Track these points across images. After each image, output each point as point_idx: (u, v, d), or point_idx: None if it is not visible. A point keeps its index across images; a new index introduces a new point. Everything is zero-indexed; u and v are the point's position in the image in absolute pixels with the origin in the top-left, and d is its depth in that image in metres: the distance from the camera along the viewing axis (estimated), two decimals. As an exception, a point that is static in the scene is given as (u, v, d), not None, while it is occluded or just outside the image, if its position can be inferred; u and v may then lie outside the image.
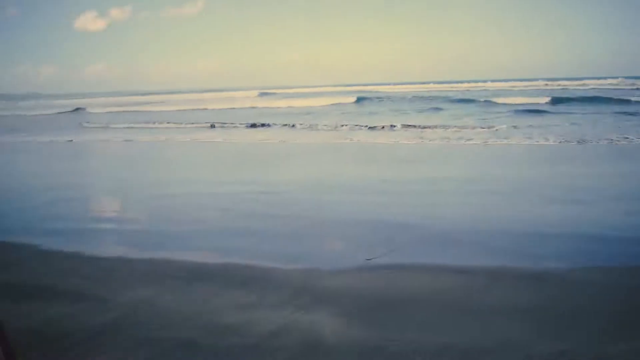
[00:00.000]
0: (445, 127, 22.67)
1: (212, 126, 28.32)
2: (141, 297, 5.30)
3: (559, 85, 60.25)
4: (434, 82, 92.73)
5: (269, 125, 27.57)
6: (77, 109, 54.25)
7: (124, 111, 48.43)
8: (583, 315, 4.62)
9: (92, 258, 6.62)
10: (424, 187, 10.38)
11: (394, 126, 23.71)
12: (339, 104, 44.60)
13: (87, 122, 35.22)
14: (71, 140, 23.82)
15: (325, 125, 25.88)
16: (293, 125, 26.69)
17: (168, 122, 31.62)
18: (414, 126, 23.39)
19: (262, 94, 76.99)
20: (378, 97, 50.13)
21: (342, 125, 25.21)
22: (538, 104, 33.42)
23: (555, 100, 34.38)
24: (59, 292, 5.36)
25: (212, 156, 17.84)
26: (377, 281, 5.59)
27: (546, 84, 62.14)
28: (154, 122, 32.35)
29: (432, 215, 8.20)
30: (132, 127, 30.18)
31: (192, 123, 30.57)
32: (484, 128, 21.72)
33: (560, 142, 17.13)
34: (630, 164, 13.74)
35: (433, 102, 39.41)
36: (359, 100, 47.03)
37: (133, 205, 10.04)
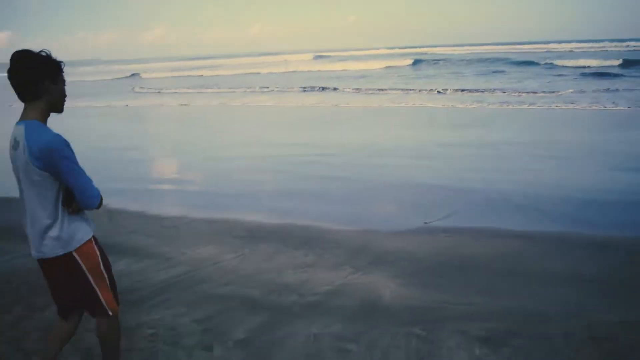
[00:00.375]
0: (504, 90, 21.98)
1: (264, 90, 28.51)
2: (203, 255, 5.51)
3: (627, 46, 56.97)
4: (494, 44, 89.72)
5: (322, 88, 27.51)
6: (134, 74, 55.60)
7: (178, 76, 49.34)
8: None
9: (155, 217, 6.92)
10: (483, 152, 10.18)
11: (451, 90, 23.18)
12: (395, 66, 43.93)
13: (141, 88, 36.10)
14: (127, 105, 24.55)
15: (379, 89, 25.59)
16: (347, 89, 26.52)
17: (219, 88, 32.00)
18: (473, 90, 22.77)
19: (317, 57, 76.58)
20: (435, 60, 49.04)
21: (398, 90, 24.84)
22: (607, 66, 31.70)
23: (627, 63, 32.40)
24: (124, 250, 5.63)
25: (266, 120, 17.99)
26: (434, 244, 5.59)
27: (616, 46, 58.82)
28: (207, 87, 32.86)
29: (492, 180, 8.05)
30: (186, 92, 30.78)
31: (246, 87, 30.86)
32: (547, 92, 20.90)
33: (629, 107, 16.29)
34: None
35: (493, 65, 38.18)
36: (416, 62, 46.16)
37: (192, 167, 10.34)
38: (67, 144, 2.57)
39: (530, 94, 20.58)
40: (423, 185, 7.90)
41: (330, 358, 3.55)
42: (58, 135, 2.58)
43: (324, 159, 10.12)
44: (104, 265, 2.90)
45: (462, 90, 22.78)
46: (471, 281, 4.68)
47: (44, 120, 2.65)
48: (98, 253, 2.85)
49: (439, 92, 23.07)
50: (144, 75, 53.07)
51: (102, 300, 2.93)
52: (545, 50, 59.46)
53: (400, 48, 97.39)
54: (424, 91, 23.72)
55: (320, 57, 79.09)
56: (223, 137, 14.38)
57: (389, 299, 4.38)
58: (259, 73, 46.42)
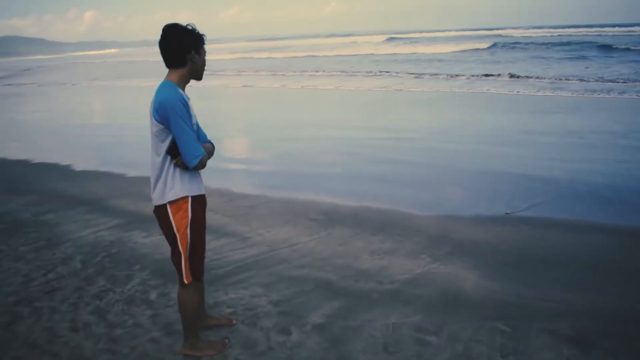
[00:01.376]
0: (588, 79, 20.84)
1: (331, 74, 28.39)
2: (280, 236, 5.57)
3: None
4: (578, 26, 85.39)
5: (391, 73, 27.10)
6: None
7: (248, 57, 49.98)
8: None
9: (233, 195, 7.05)
10: (568, 140, 9.70)
11: (532, 77, 22.23)
12: (471, 49, 42.66)
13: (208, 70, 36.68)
14: (191, 85, 25.05)
15: (454, 74, 24.93)
16: (423, 73, 26.00)
17: (285, 71, 32.11)
18: (555, 78, 21.73)
19: (390, 39, 75.60)
20: (515, 43, 47.19)
21: (474, 75, 24.12)
22: None
23: None
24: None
25: (334, 103, 17.92)
26: (517, 236, 5.38)
27: None
28: (275, 70, 33.06)
29: (578, 170, 7.66)
30: (253, 75, 31.13)
31: (314, 70, 30.87)
32: (637, 82, 19.65)
33: None
34: None
35: (577, 50, 36.31)
36: (493, 46, 44.64)
37: (266, 147, 10.45)
38: (184, 103, 2.89)
39: (619, 83, 19.43)
40: (504, 174, 7.61)
41: (409, 349, 3.50)
42: (179, 94, 2.90)
43: (399, 143, 9.98)
44: (191, 230, 3.07)
45: (540, 78, 21.79)
46: (556, 277, 4.49)
47: (181, 84, 3.01)
48: (190, 215, 3.04)
49: (519, 77, 22.21)
50: (215, 56, 54.15)
51: (182, 265, 3.12)
52: (637, 34, 55.96)
53: (477, 30, 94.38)
54: (503, 76, 22.89)
55: (393, 39, 77.83)
56: (293, 119, 14.44)
57: (470, 290, 4.27)
58: (326, 55, 46.26)
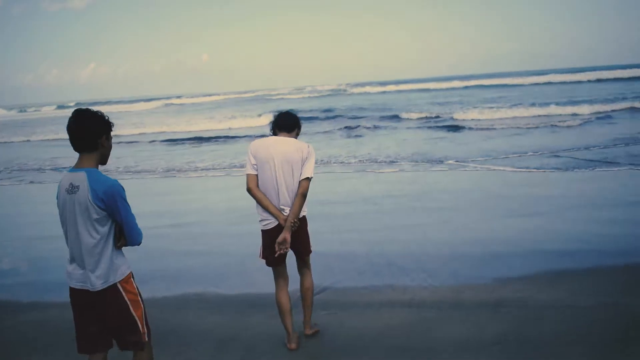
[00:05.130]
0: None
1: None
2: None
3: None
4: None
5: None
6: None
7: None
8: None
9: None
10: (363, 208, 9.59)
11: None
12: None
13: None
14: None
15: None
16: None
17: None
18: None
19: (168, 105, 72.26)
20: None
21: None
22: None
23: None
24: None
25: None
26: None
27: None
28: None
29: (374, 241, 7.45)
30: None
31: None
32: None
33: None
34: None
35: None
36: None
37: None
38: (123, 189, 3.17)
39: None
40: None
41: None
42: (117, 181, 3.17)
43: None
44: (140, 297, 3.36)
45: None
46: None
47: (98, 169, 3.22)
48: (135, 285, 3.34)
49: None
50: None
51: (140, 330, 3.32)
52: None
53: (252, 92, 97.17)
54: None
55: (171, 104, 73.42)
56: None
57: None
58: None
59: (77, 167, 3.18)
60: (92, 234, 3.13)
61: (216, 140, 23.82)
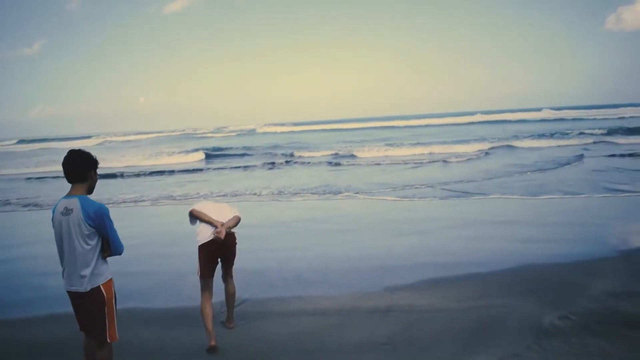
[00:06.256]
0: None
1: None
2: None
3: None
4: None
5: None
6: None
7: None
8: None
9: None
10: (276, 231, 10.66)
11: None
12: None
13: None
14: None
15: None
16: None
17: None
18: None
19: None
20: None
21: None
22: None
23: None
24: None
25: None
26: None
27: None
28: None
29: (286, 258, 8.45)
30: None
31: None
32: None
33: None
34: None
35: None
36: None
37: None
38: (108, 210, 4.00)
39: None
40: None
41: None
42: (103, 204, 4.03)
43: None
44: (115, 300, 4.14)
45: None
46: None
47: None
48: (114, 290, 4.13)
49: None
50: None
51: (106, 332, 4.06)
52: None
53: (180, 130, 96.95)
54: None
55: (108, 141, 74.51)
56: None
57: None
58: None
59: (70, 195, 4.01)
60: (83, 246, 3.93)
61: (145, 174, 24.64)
